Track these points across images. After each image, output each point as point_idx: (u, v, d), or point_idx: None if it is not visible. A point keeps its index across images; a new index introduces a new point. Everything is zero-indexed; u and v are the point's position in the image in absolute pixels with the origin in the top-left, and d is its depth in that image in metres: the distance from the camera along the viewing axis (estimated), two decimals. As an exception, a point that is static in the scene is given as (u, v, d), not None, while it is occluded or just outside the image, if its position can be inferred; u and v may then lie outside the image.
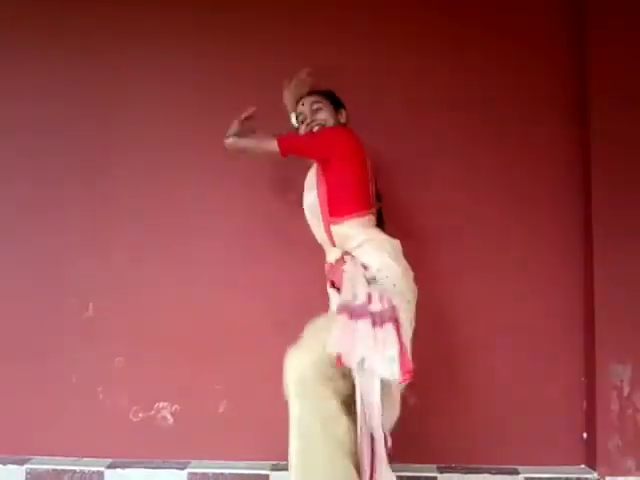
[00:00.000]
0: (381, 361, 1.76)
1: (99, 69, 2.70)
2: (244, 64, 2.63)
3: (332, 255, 2.03)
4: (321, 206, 2.04)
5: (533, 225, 2.59)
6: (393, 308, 1.83)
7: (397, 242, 2.02)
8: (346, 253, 1.99)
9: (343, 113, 2.20)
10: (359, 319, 1.80)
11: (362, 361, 1.77)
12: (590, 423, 2.48)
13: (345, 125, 2.19)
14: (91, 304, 2.65)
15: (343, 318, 1.81)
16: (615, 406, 2.42)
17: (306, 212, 2.13)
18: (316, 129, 2.13)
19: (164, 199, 2.65)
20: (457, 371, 2.55)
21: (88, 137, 2.69)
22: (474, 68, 2.61)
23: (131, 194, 2.67)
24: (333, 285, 2.02)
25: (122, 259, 2.65)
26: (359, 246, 1.98)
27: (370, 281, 1.89)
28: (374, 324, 1.80)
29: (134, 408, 2.62)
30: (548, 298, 2.56)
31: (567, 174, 2.58)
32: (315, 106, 2.16)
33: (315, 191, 2.06)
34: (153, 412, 2.61)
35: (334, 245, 2.05)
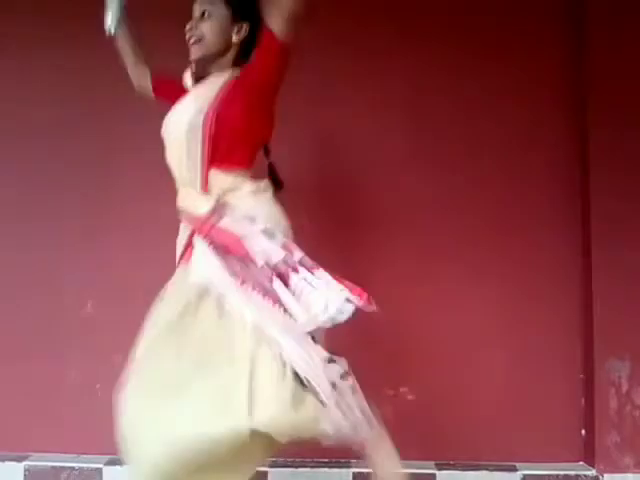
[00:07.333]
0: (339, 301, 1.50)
1: (97, 69, 2.67)
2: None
3: (203, 206, 1.64)
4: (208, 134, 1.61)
5: (532, 222, 2.59)
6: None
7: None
8: (221, 204, 1.63)
9: (243, 28, 1.69)
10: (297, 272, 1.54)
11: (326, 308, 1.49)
12: (588, 420, 2.48)
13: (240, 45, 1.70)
14: (90, 301, 2.65)
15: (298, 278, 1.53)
16: (613, 403, 2.43)
17: (174, 135, 1.68)
18: (192, 42, 1.67)
19: (163, 196, 2.64)
20: (455, 367, 2.55)
21: (88, 137, 2.69)
22: (473, 73, 2.61)
23: (130, 191, 2.66)
24: (214, 245, 1.64)
25: (121, 256, 2.65)
26: (240, 198, 1.65)
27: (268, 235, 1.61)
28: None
29: (133, 405, 2.61)
30: (546, 295, 2.57)
31: (566, 173, 2.59)
32: (202, 10, 1.67)
33: (207, 110, 1.61)
34: (151, 409, 2.61)
35: (206, 191, 1.66)
